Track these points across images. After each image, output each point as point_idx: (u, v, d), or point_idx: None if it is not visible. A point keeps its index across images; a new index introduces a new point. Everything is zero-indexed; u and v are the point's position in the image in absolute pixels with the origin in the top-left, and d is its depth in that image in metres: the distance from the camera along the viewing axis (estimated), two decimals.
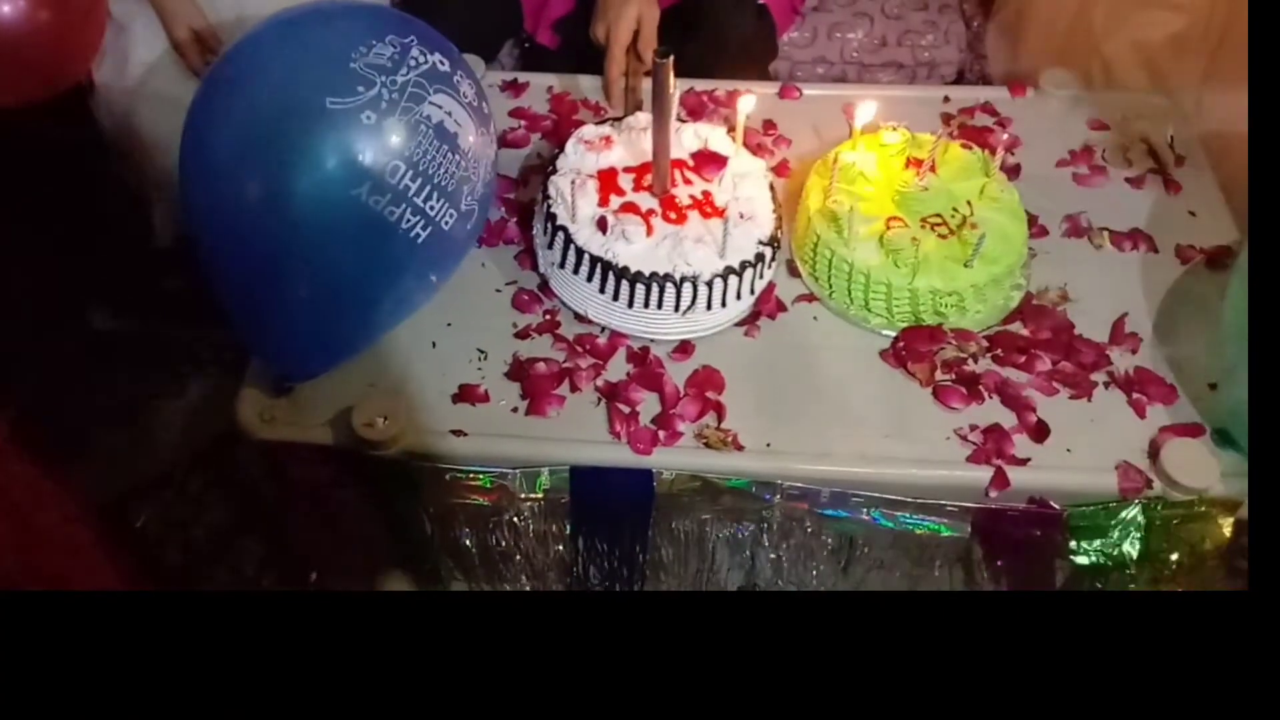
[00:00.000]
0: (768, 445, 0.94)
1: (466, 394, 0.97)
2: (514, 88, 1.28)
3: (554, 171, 1.05)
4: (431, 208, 0.93)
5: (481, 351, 1.01)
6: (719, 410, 0.96)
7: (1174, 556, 0.90)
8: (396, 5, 1.37)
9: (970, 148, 1.09)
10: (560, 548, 0.99)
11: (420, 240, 0.93)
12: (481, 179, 0.99)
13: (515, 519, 0.95)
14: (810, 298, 1.07)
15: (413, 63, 0.92)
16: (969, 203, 1.04)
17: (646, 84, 1.18)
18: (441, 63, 0.95)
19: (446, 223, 0.95)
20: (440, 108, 0.93)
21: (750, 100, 1.07)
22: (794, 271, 1.09)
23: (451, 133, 0.93)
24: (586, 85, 1.29)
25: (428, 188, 0.92)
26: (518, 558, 1.00)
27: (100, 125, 1.36)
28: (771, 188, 1.07)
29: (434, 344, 1.01)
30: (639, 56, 1.24)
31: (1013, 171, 1.14)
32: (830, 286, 1.04)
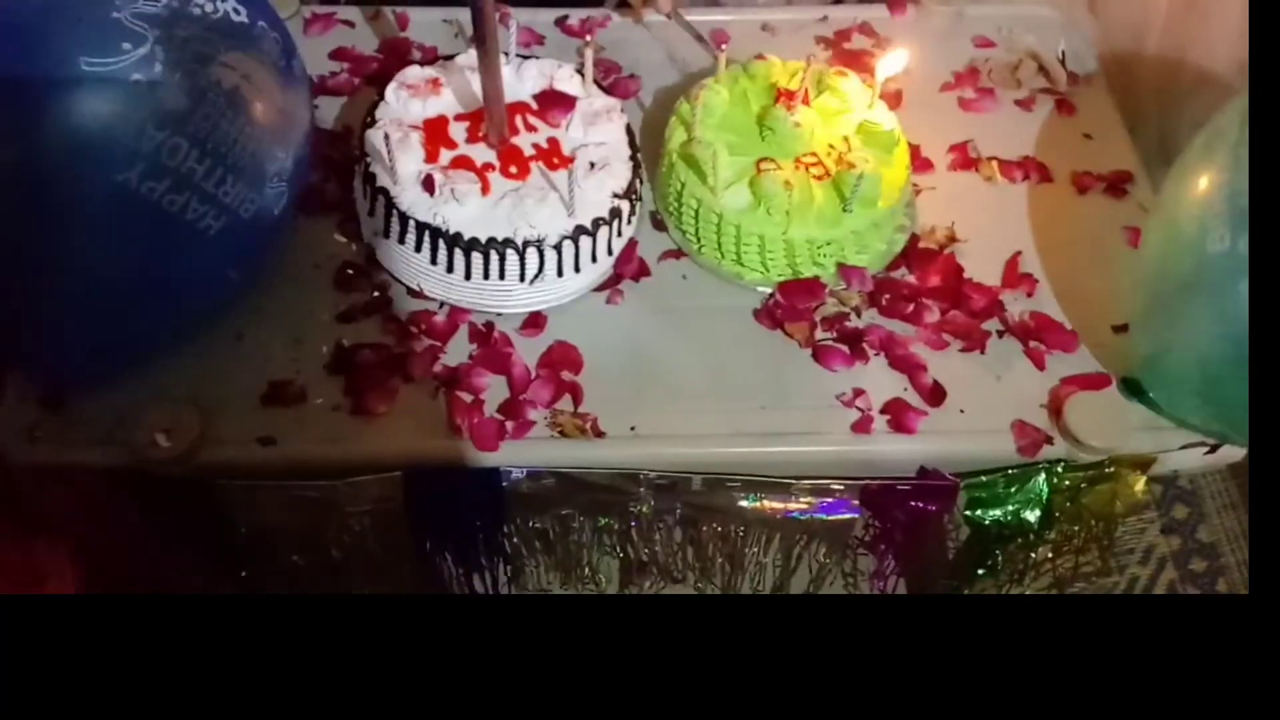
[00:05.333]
0: (632, 429, 0.83)
1: (278, 393, 0.83)
2: (333, 22, 1.11)
3: (372, 123, 0.90)
4: (225, 194, 0.77)
5: (297, 340, 0.86)
6: (575, 392, 0.84)
7: (1076, 527, 0.82)
8: None
9: (846, 74, 0.97)
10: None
11: (212, 233, 0.77)
12: (292, 155, 0.83)
13: (345, 536, 0.82)
14: (678, 254, 0.95)
15: (196, 11, 0.74)
16: (846, 139, 0.92)
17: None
18: (236, 11, 0.77)
19: (246, 210, 0.79)
20: (235, 70, 0.76)
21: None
22: (659, 225, 0.96)
23: (250, 101, 0.77)
24: (419, 17, 1.12)
25: (219, 169, 0.75)
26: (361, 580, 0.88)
27: None
28: (629, 130, 0.94)
29: (240, 335, 0.86)
30: None
31: (893, 98, 1.03)
32: (699, 240, 0.92)
